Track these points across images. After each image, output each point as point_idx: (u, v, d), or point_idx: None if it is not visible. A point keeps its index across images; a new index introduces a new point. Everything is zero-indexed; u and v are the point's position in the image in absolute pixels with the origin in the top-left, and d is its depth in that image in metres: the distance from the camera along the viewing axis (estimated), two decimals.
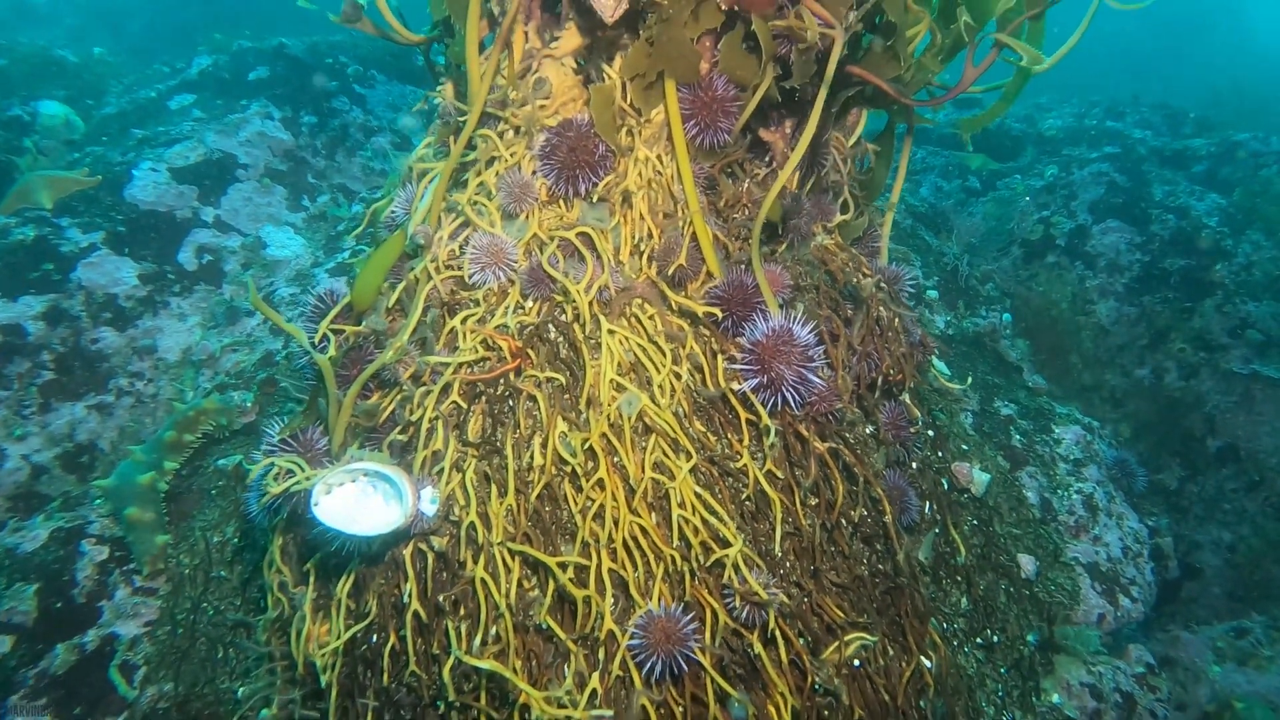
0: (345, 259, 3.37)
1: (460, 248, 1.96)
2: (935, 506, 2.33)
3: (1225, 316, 4.12)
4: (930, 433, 2.53)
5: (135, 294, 3.13)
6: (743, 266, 1.94)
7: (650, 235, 1.97)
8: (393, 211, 2.17)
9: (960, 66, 2.19)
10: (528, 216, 1.96)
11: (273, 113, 4.00)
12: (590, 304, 1.84)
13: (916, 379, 2.22)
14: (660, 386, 1.83)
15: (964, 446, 2.81)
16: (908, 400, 2.19)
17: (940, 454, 2.52)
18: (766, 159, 2.24)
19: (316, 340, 1.97)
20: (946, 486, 2.53)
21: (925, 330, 2.25)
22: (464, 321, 1.90)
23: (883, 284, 2.12)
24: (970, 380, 2.71)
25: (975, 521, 2.54)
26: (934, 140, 5.63)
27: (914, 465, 2.28)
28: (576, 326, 1.86)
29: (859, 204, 2.47)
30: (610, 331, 1.84)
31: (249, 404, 2.70)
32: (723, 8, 1.90)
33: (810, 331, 1.80)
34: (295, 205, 3.72)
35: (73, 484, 2.76)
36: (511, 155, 2.03)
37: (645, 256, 1.95)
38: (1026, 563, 2.60)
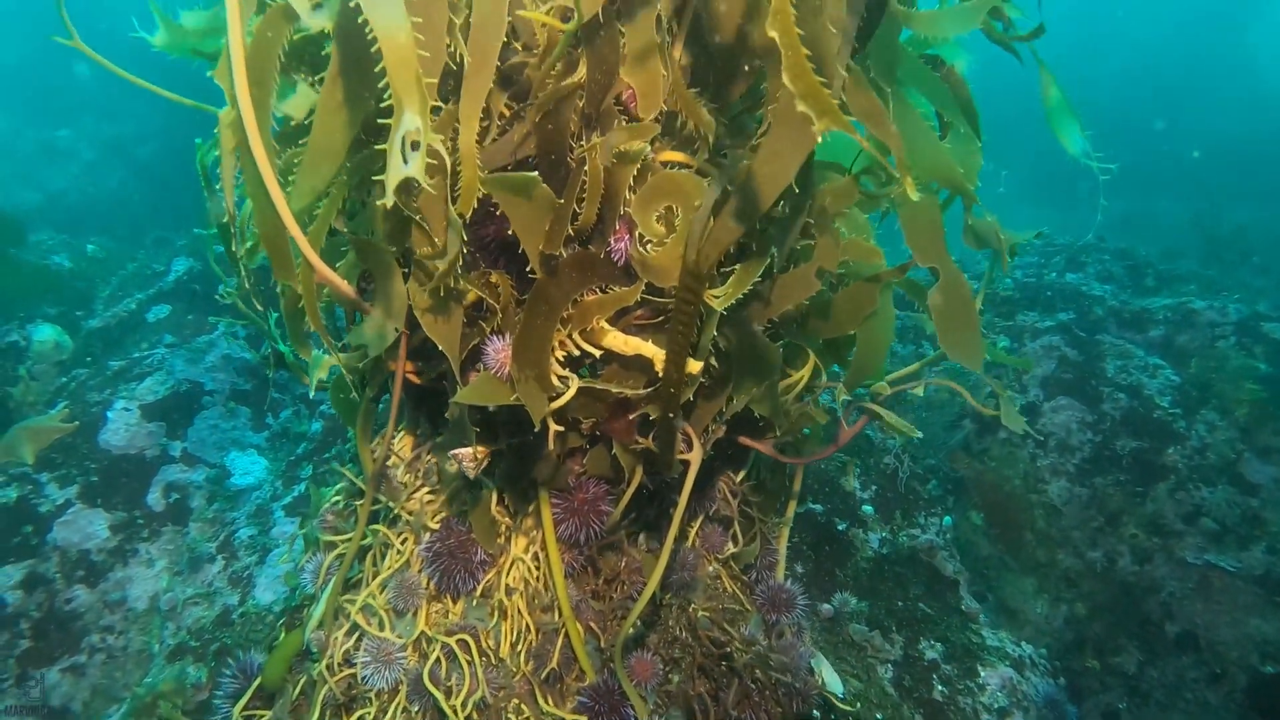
0: (301, 491, 3.58)
1: (355, 644, 2.12)
2: None
3: (1179, 502, 4.12)
4: None
5: (106, 545, 3.36)
6: (610, 670, 2.07)
7: (529, 630, 2.11)
8: (302, 578, 2.34)
9: None
10: (415, 613, 2.12)
11: (238, 330, 4.24)
12: (468, 718, 1.99)
13: None
14: None
15: (878, 716, 2.90)
16: None
17: None
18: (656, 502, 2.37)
19: None
20: None
21: (813, 671, 2.35)
22: None
23: (759, 648, 2.23)
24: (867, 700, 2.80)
25: None
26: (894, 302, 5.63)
27: None
28: None
29: (754, 525, 2.58)
30: None
31: (203, 680, 2.90)
32: (584, 431, 2.04)
33: None
34: (259, 425, 3.94)
35: None
36: (403, 544, 2.20)
37: (523, 655, 2.09)
38: None
